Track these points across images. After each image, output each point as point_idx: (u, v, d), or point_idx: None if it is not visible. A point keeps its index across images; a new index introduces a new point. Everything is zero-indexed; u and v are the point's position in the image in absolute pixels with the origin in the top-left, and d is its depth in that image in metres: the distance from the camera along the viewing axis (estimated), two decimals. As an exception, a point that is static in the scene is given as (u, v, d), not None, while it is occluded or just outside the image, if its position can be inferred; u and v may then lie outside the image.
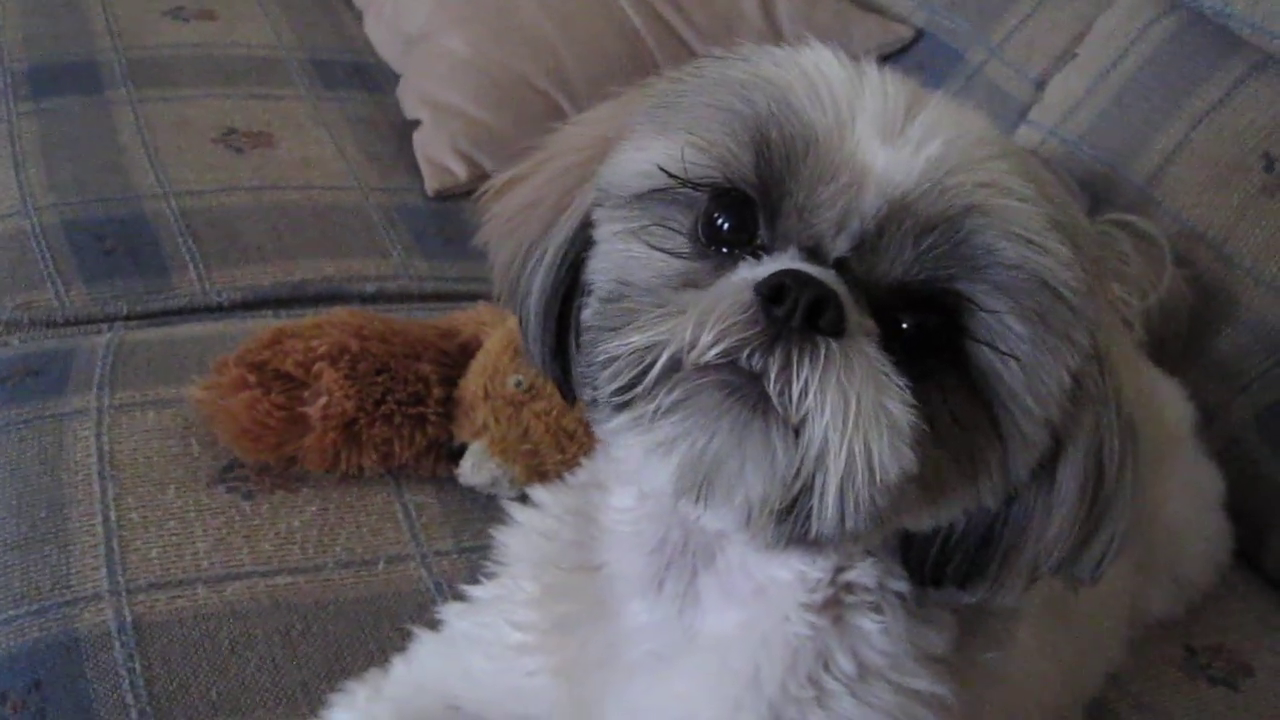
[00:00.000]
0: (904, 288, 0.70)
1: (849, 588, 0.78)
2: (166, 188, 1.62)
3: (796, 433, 0.66)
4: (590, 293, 0.75)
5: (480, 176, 1.70)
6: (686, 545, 0.81)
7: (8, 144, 1.69)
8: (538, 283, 0.79)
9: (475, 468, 1.22)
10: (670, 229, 0.73)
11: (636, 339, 0.68)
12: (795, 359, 0.66)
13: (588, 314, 0.74)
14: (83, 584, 1.09)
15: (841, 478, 0.66)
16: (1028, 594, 0.81)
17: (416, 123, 1.79)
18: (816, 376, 0.66)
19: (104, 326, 1.42)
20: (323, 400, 1.21)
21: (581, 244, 0.77)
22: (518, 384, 1.23)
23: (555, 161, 0.81)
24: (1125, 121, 1.51)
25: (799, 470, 0.66)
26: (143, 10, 2.06)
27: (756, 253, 0.71)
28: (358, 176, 1.72)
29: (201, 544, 1.14)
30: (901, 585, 0.79)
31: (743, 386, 0.67)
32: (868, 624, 0.79)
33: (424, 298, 1.54)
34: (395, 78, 1.93)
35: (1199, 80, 1.45)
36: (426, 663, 0.96)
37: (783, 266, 0.68)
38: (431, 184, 1.71)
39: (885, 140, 0.70)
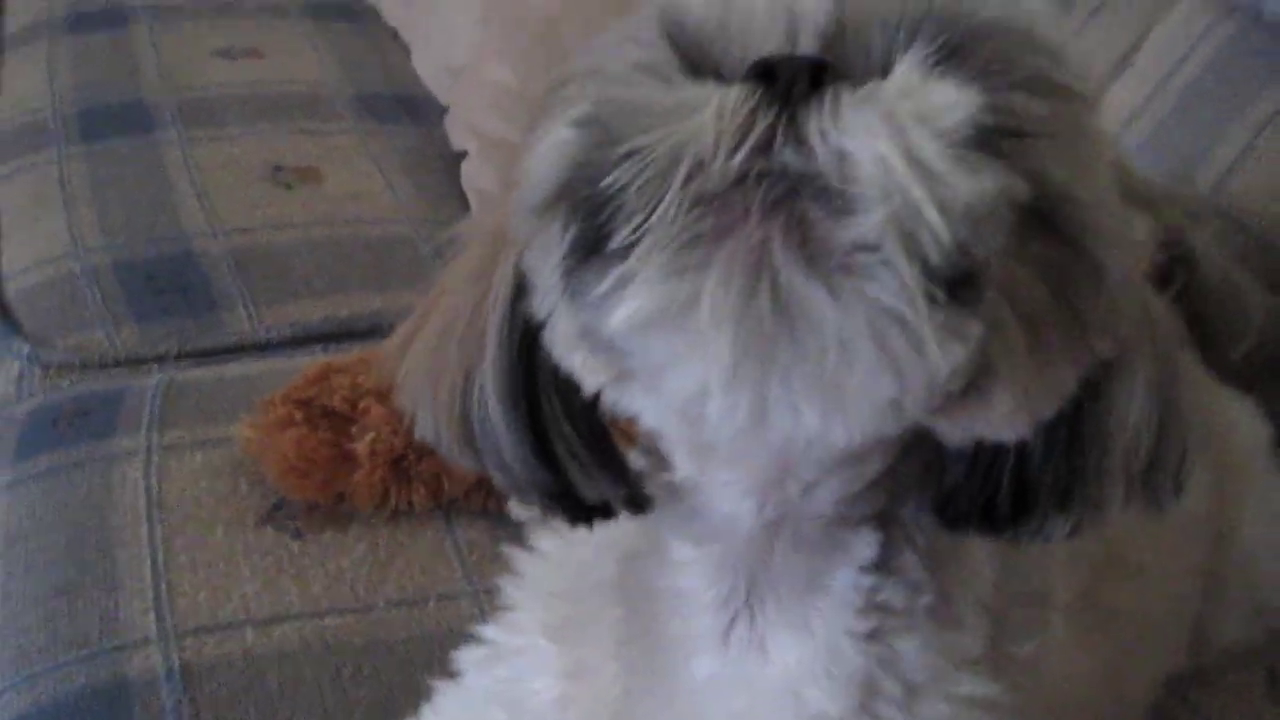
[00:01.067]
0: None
1: (883, 610, 0.75)
2: (216, 226, 1.62)
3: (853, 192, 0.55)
4: (565, 378, 0.66)
5: (528, 206, 1.69)
6: (753, 587, 0.77)
7: (58, 187, 1.70)
8: (492, 390, 0.69)
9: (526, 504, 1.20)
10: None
11: (650, 150, 0.56)
12: (812, 114, 0.56)
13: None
14: (131, 629, 1.08)
15: (920, 175, 0.54)
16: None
17: (464, 154, 1.78)
18: (840, 112, 0.56)
19: (154, 366, 1.42)
20: (370, 436, 1.20)
21: (524, 322, 0.67)
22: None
23: (459, 272, 0.72)
24: (1186, 130, 1.47)
25: (889, 226, 0.55)
26: (191, 51, 2.08)
27: None
28: (406, 209, 1.71)
29: (250, 585, 1.12)
30: (929, 599, 0.75)
31: (774, 191, 0.55)
32: (904, 644, 0.76)
33: (473, 330, 1.53)
34: (443, 110, 1.93)
35: (1262, 84, 1.41)
36: (453, 717, 0.93)
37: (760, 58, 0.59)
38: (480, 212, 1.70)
39: None
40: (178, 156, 1.77)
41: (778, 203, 0.55)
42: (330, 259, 1.59)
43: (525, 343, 0.68)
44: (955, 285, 0.56)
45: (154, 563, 1.14)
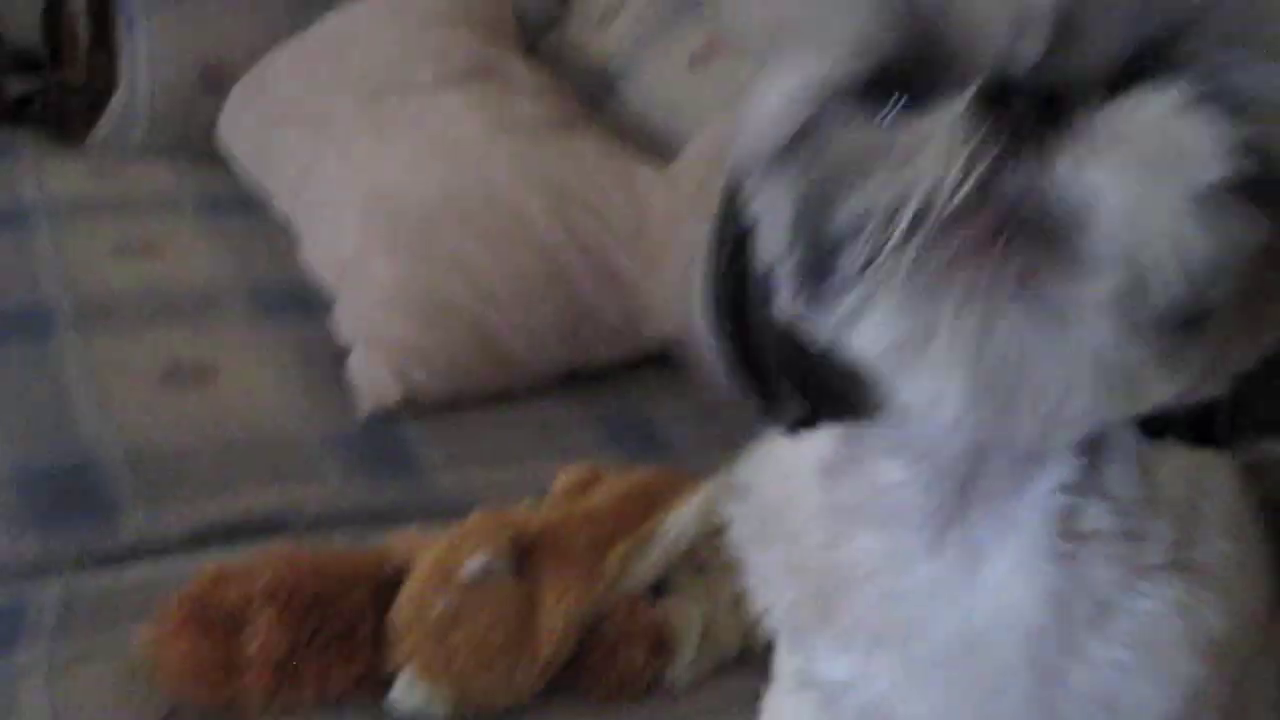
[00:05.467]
0: (1129, 74, 0.62)
1: (1081, 535, 0.79)
2: (113, 430, 1.69)
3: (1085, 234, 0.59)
4: (772, 274, 0.70)
5: (413, 395, 1.79)
6: (962, 501, 0.80)
7: (-42, 393, 1.76)
8: (704, 302, 0.75)
9: (406, 693, 1.27)
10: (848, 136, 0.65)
11: (874, 195, 0.61)
12: (1045, 151, 0.59)
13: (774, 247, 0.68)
14: (34, 841, 1.14)
15: (1160, 232, 0.58)
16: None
17: (352, 346, 1.88)
18: (1078, 154, 0.59)
19: (54, 575, 1.47)
20: (259, 640, 1.27)
21: (739, 236, 0.72)
22: (476, 571, 1.30)
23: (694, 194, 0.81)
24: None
25: (1117, 274, 0.59)
26: (90, 249, 2.18)
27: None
28: (297, 403, 1.80)
29: (149, 791, 1.19)
30: (1126, 521, 0.78)
31: (1005, 230, 0.59)
32: (1098, 568, 0.79)
33: (362, 521, 1.60)
34: (332, 301, 2.03)
35: None
36: None
37: (989, 75, 0.61)
38: (366, 405, 1.79)
39: None
40: (76, 360, 1.84)
41: (1010, 240, 0.59)
42: (224, 458, 1.67)
43: (740, 259, 0.72)
44: (1184, 324, 0.61)
45: (57, 776, 1.20)
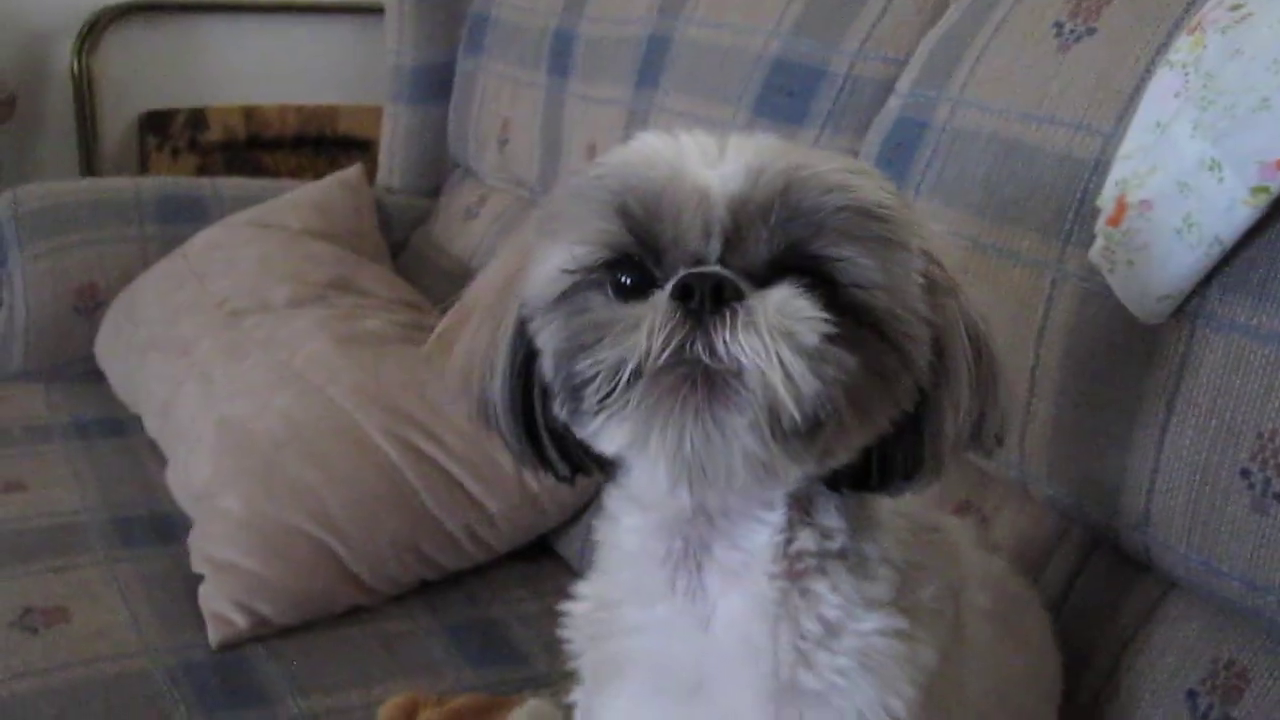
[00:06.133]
0: (777, 264, 0.94)
1: (798, 556, 1.02)
2: (-39, 687, 1.74)
3: (740, 379, 0.90)
4: (548, 386, 1.00)
5: (261, 625, 1.85)
6: (690, 546, 1.05)
7: None
8: (498, 395, 1.04)
9: None
10: (592, 307, 0.96)
11: (606, 355, 0.92)
12: (716, 328, 0.90)
13: (552, 378, 0.99)
14: None
15: (782, 377, 0.89)
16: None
17: (203, 576, 1.94)
18: (735, 330, 0.89)
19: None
20: None
21: (525, 354, 1.02)
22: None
23: (480, 306, 1.08)
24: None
25: (758, 403, 0.90)
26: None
27: (662, 285, 0.94)
28: (147, 640, 1.85)
29: None
30: (838, 545, 1.03)
31: (691, 377, 0.90)
32: (818, 587, 1.02)
33: (206, 759, 1.65)
34: (190, 526, 2.09)
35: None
36: None
37: (681, 276, 0.92)
38: (214, 637, 1.85)
39: (711, 167, 0.96)
40: (-73, 614, 1.88)
41: (694, 383, 0.91)
42: (68, 706, 1.70)
43: (525, 364, 1.03)
44: (805, 430, 0.92)
45: None
